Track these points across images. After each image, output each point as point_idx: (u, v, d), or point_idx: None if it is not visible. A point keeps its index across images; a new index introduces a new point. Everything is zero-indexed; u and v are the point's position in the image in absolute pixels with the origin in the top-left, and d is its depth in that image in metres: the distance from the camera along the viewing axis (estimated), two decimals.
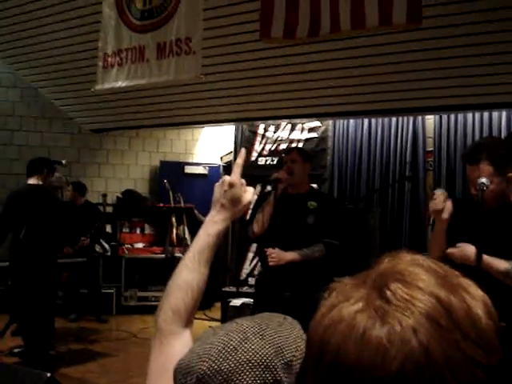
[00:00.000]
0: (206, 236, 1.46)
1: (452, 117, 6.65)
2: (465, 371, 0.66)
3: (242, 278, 7.70)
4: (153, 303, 8.14)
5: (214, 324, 7.41)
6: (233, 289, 7.19)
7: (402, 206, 6.89)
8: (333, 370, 0.69)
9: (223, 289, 7.32)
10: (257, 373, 0.98)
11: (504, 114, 6.37)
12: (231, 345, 1.01)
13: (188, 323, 1.40)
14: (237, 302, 6.61)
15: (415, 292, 0.69)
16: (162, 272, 8.17)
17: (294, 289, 4.12)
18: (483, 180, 2.81)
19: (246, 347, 1.00)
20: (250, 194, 1.50)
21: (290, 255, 4.16)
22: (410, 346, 0.65)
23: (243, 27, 5.67)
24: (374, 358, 0.66)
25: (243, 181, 1.49)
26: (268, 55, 5.68)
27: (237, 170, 1.48)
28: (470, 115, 6.54)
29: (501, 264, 2.78)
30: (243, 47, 5.78)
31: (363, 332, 0.67)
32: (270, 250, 4.23)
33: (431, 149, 6.84)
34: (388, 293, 0.69)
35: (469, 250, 2.77)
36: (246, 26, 5.58)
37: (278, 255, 4.17)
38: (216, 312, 8.03)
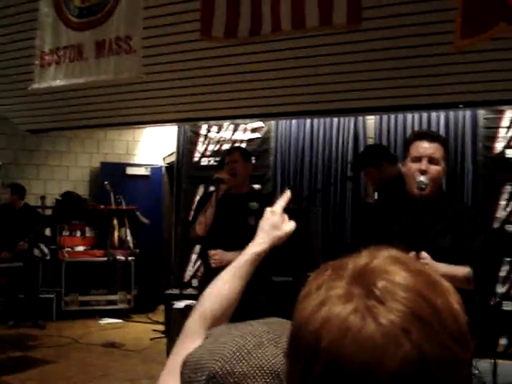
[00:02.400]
0: (245, 253, 1.61)
1: (392, 117, 6.78)
2: (452, 368, 0.68)
3: (185, 280, 7.64)
4: (95, 307, 7.99)
5: (156, 327, 7.32)
6: (176, 291, 7.12)
7: (344, 205, 6.98)
8: (328, 370, 0.69)
9: (166, 291, 7.24)
10: (267, 380, 0.98)
11: (442, 114, 6.53)
12: (246, 348, 1.01)
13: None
14: (180, 304, 6.54)
15: (403, 292, 0.70)
16: (103, 275, 8.03)
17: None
18: (422, 178, 2.88)
19: (260, 352, 1.00)
20: (289, 227, 1.63)
21: (232, 255, 4.14)
22: (404, 348, 0.66)
23: (184, 26, 5.61)
24: (370, 359, 0.66)
25: (285, 216, 1.64)
26: (210, 55, 5.64)
27: (281, 203, 1.62)
28: (409, 116, 6.69)
29: (459, 270, 2.80)
30: (184, 47, 5.72)
31: (358, 332, 0.67)
32: (212, 252, 4.21)
33: None
34: (377, 292, 0.70)
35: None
36: (188, 25, 5.52)
37: (220, 256, 4.15)
38: (159, 315, 7.96)
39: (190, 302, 6.40)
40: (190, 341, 1.24)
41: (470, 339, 0.72)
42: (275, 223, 1.62)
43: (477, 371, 5.13)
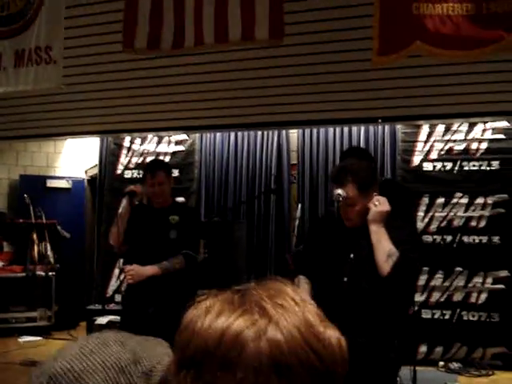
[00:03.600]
0: None
1: (314, 131, 6.91)
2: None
3: (108, 295, 7.49)
4: (14, 325, 7.70)
5: None
6: (98, 306, 6.97)
7: (268, 218, 7.04)
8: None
9: (88, 307, 7.08)
10: (110, 374, 0.97)
11: (362, 128, 6.71)
12: (88, 348, 1.01)
13: None
14: (103, 320, 6.41)
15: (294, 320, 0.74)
16: (22, 292, 7.76)
17: (158, 304, 4.06)
18: (339, 191, 2.98)
19: (103, 351, 1.00)
20: None
21: (150, 269, 4.11)
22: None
23: (107, 37, 5.56)
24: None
25: None
26: (133, 67, 5.60)
27: None
28: (331, 130, 6.83)
29: (389, 245, 2.91)
30: (107, 58, 5.66)
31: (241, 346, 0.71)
32: (127, 267, 4.16)
33: (295, 162, 7.05)
34: (271, 312, 0.74)
35: None
36: (110, 36, 5.47)
37: (136, 271, 4.10)
38: (81, 331, 7.74)
39: (113, 317, 6.27)
40: None
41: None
42: None
43: (398, 378, 5.26)
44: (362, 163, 3.29)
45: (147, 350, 1.04)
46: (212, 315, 0.74)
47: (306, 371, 0.70)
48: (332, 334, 0.75)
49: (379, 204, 2.96)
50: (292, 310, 0.74)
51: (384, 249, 2.88)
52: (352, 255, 2.96)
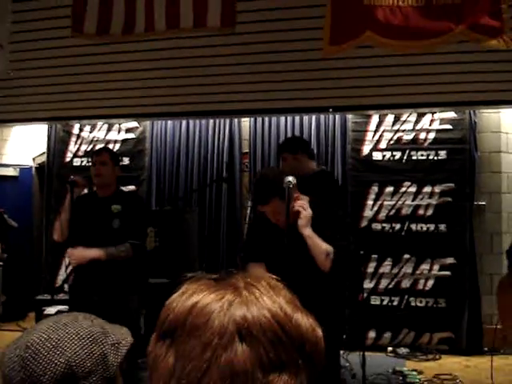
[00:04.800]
0: None
1: (266, 120, 6.92)
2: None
3: (57, 284, 7.38)
4: None
5: None
6: (47, 296, 6.86)
7: (220, 206, 7.03)
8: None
9: (37, 297, 6.96)
10: (84, 343, 1.08)
11: (313, 117, 6.75)
12: (61, 322, 1.12)
13: None
14: (52, 309, 6.31)
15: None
16: None
17: (103, 292, 4.03)
18: (290, 178, 3.15)
19: (75, 324, 1.11)
20: None
21: (94, 252, 4.07)
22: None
23: (56, 22, 5.44)
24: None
25: None
26: (81, 52, 5.50)
27: None
28: (282, 118, 6.85)
29: (323, 244, 3.14)
30: (55, 43, 5.55)
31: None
32: (69, 251, 4.10)
33: (247, 150, 7.06)
34: (245, 294, 0.79)
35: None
36: (59, 21, 5.36)
37: (79, 253, 4.05)
38: (30, 322, 7.61)
39: (62, 307, 6.18)
40: None
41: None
42: None
43: (347, 363, 5.36)
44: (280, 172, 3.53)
45: (112, 327, 1.16)
46: (186, 295, 0.80)
47: (268, 339, 0.75)
48: (303, 318, 0.80)
49: (305, 209, 3.15)
50: (265, 292, 0.80)
51: (321, 249, 3.12)
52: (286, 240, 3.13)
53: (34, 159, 8.66)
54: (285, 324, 0.77)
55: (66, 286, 7.19)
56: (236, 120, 7.06)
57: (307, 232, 3.12)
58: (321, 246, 3.12)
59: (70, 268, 7.16)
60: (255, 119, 6.94)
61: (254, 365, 0.73)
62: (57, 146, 7.62)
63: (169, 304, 0.82)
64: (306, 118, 6.79)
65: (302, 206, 3.14)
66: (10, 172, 8.46)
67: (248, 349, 0.74)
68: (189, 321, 0.77)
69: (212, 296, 0.78)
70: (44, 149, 7.96)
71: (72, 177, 4.30)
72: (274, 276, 0.86)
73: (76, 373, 1.06)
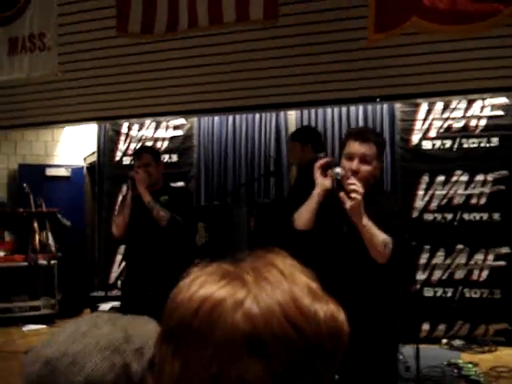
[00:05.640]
0: None
1: (312, 112, 6.88)
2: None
3: (110, 281, 7.51)
4: (17, 314, 7.72)
5: None
6: (101, 293, 6.99)
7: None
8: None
9: (91, 294, 7.10)
10: (105, 355, 0.99)
11: (361, 108, 6.67)
12: (80, 331, 1.02)
13: None
14: (106, 306, 6.44)
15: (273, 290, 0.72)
16: (25, 281, 7.77)
17: (157, 287, 4.08)
18: (337, 170, 3.02)
19: (95, 332, 1.01)
20: None
21: (146, 192, 4.22)
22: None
23: (101, 23, 5.52)
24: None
25: None
26: (127, 52, 5.57)
27: None
28: (329, 110, 6.80)
29: (380, 233, 2.89)
30: (101, 43, 5.62)
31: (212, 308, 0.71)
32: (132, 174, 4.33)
33: None
34: (251, 284, 0.73)
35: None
36: (104, 22, 5.43)
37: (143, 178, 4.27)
38: None
39: (116, 303, 6.30)
40: None
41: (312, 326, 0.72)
42: None
43: (401, 356, 5.29)
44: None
45: (137, 327, 1.05)
46: (195, 286, 0.74)
47: (282, 347, 0.68)
48: (320, 307, 0.73)
49: (359, 193, 2.86)
50: (276, 283, 0.73)
51: (379, 240, 2.87)
52: (345, 228, 2.96)
53: (85, 159, 8.83)
54: (299, 322, 0.70)
55: (119, 283, 7.31)
56: (282, 113, 7.04)
57: (361, 222, 2.84)
58: (378, 236, 2.86)
59: (123, 265, 7.32)
60: (301, 112, 6.91)
61: (265, 380, 0.68)
62: (106, 145, 7.75)
63: (175, 295, 0.77)
64: (352, 108, 6.72)
65: (356, 189, 2.86)
66: (63, 172, 8.65)
67: (259, 362, 0.68)
68: (195, 323, 0.71)
69: (221, 293, 0.71)
70: (94, 149, 8.10)
71: (131, 173, 4.36)
72: (288, 257, 0.80)
73: None
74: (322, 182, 3.02)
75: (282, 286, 0.73)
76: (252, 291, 0.71)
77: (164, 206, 4.24)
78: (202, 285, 0.73)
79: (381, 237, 2.87)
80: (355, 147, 3.02)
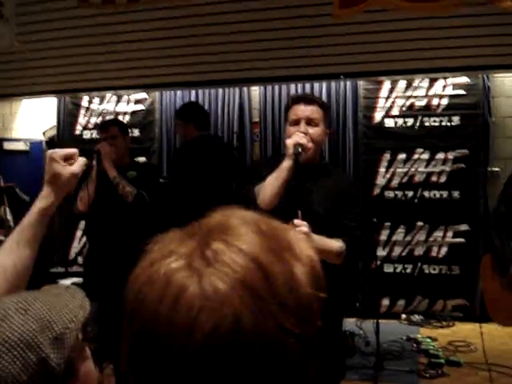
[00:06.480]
0: (28, 214, 1.41)
1: (276, 88, 6.84)
2: (275, 341, 0.64)
3: (70, 257, 7.42)
4: None
5: None
6: (61, 269, 6.91)
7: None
8: (142, 332, 0.65)
9: (51, 270, 7.01)
10: (15, 353, 0.86)
11: (324, 84, 6.66)
12: None
13: None
14: (66, 282, 6.36)
15: (236, 255, 0.65)
16: None
17: (120, 264, 4.03)
18: (299, 140, 2.81)
19: (3, 326, 0.88)
20: (71, 169, 1.48)
21: (111, 167, 4.17)
22: (221, 313, 0.62)
23: None
24: (183, 324, 0.62)
25: (69, 151, 1.46)
26: (88, 23, 5.44)
27: (63, 151, 1.49)
28: (292, 86, 6.76)
29: (333, 244, 2.74)
30: (62, 14, 5.49)
31: (177, 294, 0.63)
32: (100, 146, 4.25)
33: (257, 120, 6.99)
34: (209, 253, 0.65)
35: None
36: None
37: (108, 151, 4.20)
38: None
39: (76, 279, 6.23)
40: None
41: (314, 313, 0.68)
42: (54, 171, 1.50)
43: (361, 331, 5.37)
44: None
45: (56, 309, 0.94)
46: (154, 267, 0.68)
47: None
48: (278, 266, 0.66)
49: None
50: (232, 249, 0.66)
51: (332, 250, 2.72)
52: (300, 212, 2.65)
53: (44, 133, 8.65)
54: (260, 289, 0.63)
55: (79, 259, 7.24)
56: (245, 89, 6.98)
57: (316, 243, 2.54)
58: (332, 247, 2.71)
59: (83, 241, 7.23)
60: (265, 88, 6.86)
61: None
62: (66, 119, 7.60)
63: (135, 275, 0.70)
64: (316, 85, 6.70)
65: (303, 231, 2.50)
66: (21, 146, 8.46)
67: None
68: (171, 323, 0.63)
69: (194, 281, 0.64)
70: (54, 122, 7.94)
71: (97, 146, 4.28)
72: (244, 210, 0.73)
73: None
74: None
75: (239, 249, 0.66)
76: (210, 261, 0.65)
77: (131, 182, 4.18)
78: (156, 261, 0.69)
79: (334, 246, 2.74)
80: (300, 110, 2.91)
